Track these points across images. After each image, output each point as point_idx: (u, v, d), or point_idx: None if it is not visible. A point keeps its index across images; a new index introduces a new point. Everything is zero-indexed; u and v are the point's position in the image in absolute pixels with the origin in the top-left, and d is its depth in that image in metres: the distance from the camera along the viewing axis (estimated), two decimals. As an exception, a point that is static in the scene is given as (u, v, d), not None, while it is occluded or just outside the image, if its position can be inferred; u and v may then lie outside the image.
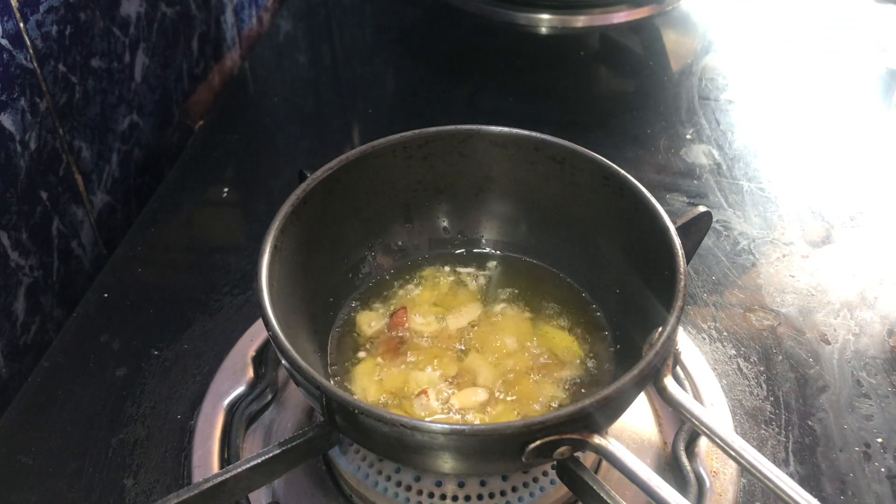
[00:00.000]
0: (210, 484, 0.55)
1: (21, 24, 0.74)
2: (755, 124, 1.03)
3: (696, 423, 0.56)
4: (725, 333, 0.78)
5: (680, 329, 0.58)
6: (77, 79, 0.83)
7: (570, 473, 0.56)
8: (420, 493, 0.62)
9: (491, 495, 0.62)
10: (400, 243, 0.73)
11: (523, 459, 0.52)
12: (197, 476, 0.66)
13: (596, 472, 0.63)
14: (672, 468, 0.66)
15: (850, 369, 0.75)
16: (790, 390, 0.73)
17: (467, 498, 0.62)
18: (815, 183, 0.95)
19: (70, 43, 0.81)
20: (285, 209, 0.63)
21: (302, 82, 1.16)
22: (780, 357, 0.76)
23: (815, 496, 0.51)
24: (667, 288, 0.58)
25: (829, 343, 0.77)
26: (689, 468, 0.65)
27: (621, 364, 0.65)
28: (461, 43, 1.21)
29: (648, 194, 0.63)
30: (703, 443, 0.66)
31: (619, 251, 0.67)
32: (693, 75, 1.11)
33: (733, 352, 0.76)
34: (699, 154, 0.99)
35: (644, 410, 0.70)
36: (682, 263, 0.59)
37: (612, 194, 0.66)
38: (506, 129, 0.70)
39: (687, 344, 0.76)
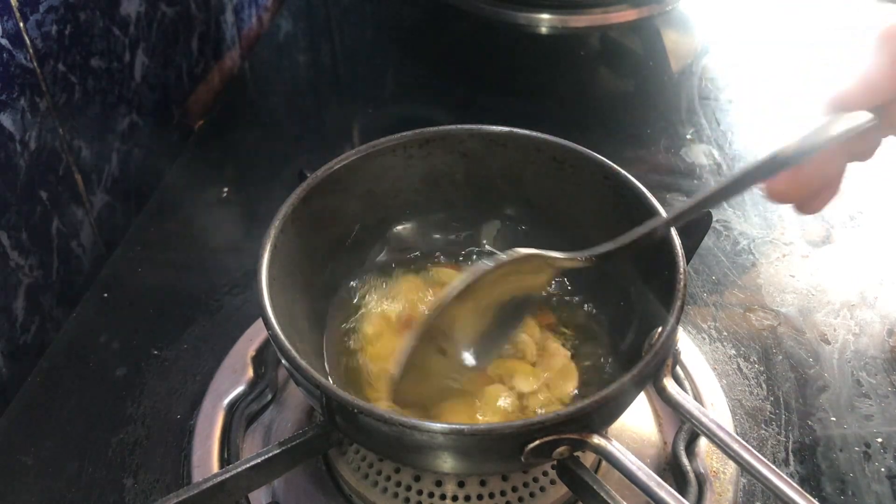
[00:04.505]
0: (210, 484, 0.55)
1: (21, 24, 0.74)
2: (755, 124, 1.03)
3: (696, 423, 0.56)
4: (725, 333, 0.78)
5: (680, 329, 0.58)
6: (77, 78, 0.83)
7: (569, 473, 0.56)
8: (420, 493, 0.62)
9: (491, 495, 0.62)
10: (400, 243, 0.73)
11: (522, 459, 0.52)
12: (196, 476, 0.66)
13: (596, 471, 0.63)
14: (672, 468, 0.66)
15: (850, 369, 0.75)
16: (790, 390, 0.73)
17: (467, 498, 0.62)
18: (815, 183, 0.94)
19: (70, 42, 0.81)
20: (285, 209, 0.63)
21: (302, 82, 1.16)
22: (780, 357, 0.76)
23: (815, 496, 0.51)
24: (667, 288, 0.58)
25: (829, 343, 0.77)
26: (689, 468, 0.65)
27: (621, 364, 0.65)
28: (461, 43, 1.21)
29: (648, 194, 0.63)
30: (703, 443, 0.66)
31: (618, 251, 0.67)
32: (693, 75, 1.11)
33: (733, 352, 0.76)
34: (699, 154, 0.99)
35: (644, 410, 0.70)
36: (681, 263, 0.59)
37: (612, 194, 0.66)
38: (506, 129, 0.70)
39: (687, 344, 0.76)
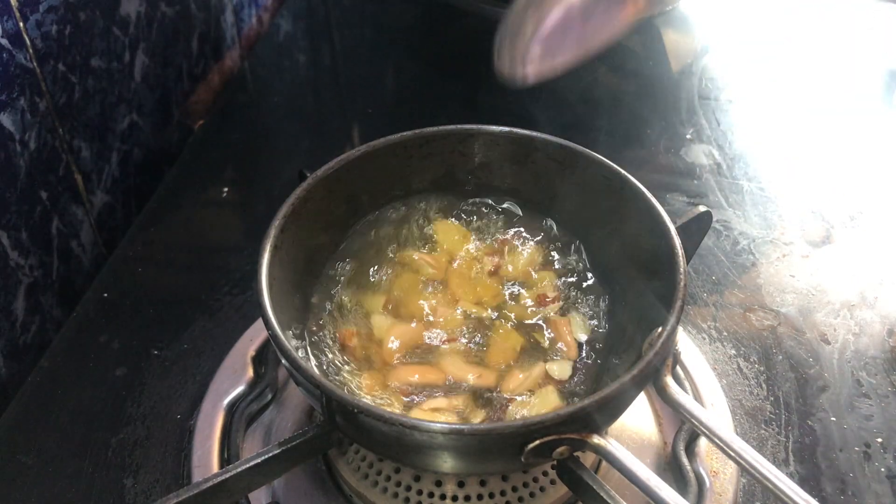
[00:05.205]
0: (210, 484, 0.55)
1: (21, 24, 0.74)
2: (755, 124, 1.03)
3: (696, 423, 0.56)
4: (725, 333, 0.78)
5: (680, 329, 0.58)
6: (77, 78, 0.83)
7: (569, 473, 0.56)
8: (420, 493, 0.62)
9: (491, 495, 0.62)
10: (400, 243, 0.73)
11: (522, 459, 0.52)
12: (196, 476, 0.66)
13: (596, 471, 0.63)
14: (672, 468, 0.66)
15: (850, 369, 0.75)
16: (790, 390, 0.73)
17: (467, 498, 0.62)
18: (815, 183, 0.95)
19: (70, 42, 0.81)
20: (285, 209, 0.63)
21: (302, 82, 1.16)
22: (780, 357, 0.76)
23: (815, 496, 0.51)
24: (667, 288, 0.58)
25: (829, 343, 0.77)
26: (688, 468, 0.65)
27: (621, 364, 0.65)
28: (461, 43, 1.21)
29: (649, 194, 0.63)
30: (703, 443, 0.66)
31: (619, 251, 0.67)
32: (693, 75, 1.11)
33: (733, 352, 0.76)
34: (699, 154, 0.99)
35: (644, 410, 0.70)
36: (682, 263, 0.59)
37: (612, 193, 0.66)
38: (506, 129, 0.70)
39: (687, 344, 0.76)
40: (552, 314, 0.66)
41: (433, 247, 0.71)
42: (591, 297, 0.70)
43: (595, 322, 0.67)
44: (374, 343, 0.65)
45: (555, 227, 0.72)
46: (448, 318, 0.66)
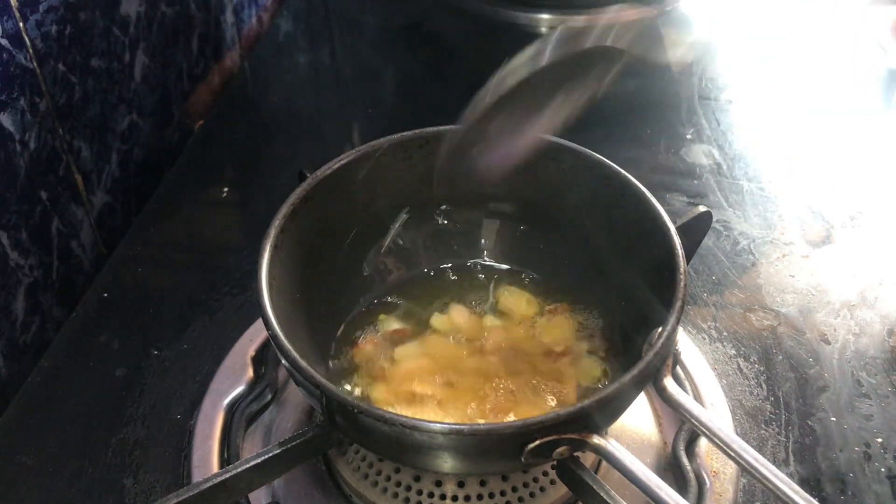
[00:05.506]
0: (210, 484, 0.55)
1: (21, 24, 0.74)
2: (755, 124, 1.03)
3: (696, 423, 0.56)
4: (725, 333, 0.78)
5: (680, 329, 0.58)
6: (77, 79, 0.83)
7: (570, 473, 0.56)
8: (420, 493, 0.62)
9: (491, 495, 0.62)
10: (400, 242, 0.73)
11: (522, 459, 0.52)
12: (196, 476, 0.66)
13: (596, 471, 0.63)
14: (672, 468, 0.66)
15: (850, 369, 0.75)
16: (790, 390, 0.73)
17: (467, 498, 0.62)
18: (815, 183, 0.95)
19: (70, 43, 0.81)
20: (285, 209, 0.63)
21: (302, 82, 1.16)
22: (780, 357, 0.76)
23: (815, 496, 0.51)
24: (667, 288, 0.58)
25: (829, 343, 0.77)
26: (689, 468, 0.65)
27: (621, 364, 0.65)
28: (461, 43, 1.20)
29: (649, 194, 0.63)
30: (703, 443, 0.66)
31: (619, 251, 0.67)
32: (693, 75, 1.11)
33: (733, 352, 0.76)
34: (699, 154, 0.99)
35: (644, 410, 0.70)
36: (682, 263, 0.59)
37: (612, 194, 0.66)
38: (506, 129, 0.70)
39: (687, 344, 0.76)
40: (562, 366, 0.66)
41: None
42: (591, 297, 0.70)
43: (595, 323, 0.68)
44: (386, 360, 0.66)
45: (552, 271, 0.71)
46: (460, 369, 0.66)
